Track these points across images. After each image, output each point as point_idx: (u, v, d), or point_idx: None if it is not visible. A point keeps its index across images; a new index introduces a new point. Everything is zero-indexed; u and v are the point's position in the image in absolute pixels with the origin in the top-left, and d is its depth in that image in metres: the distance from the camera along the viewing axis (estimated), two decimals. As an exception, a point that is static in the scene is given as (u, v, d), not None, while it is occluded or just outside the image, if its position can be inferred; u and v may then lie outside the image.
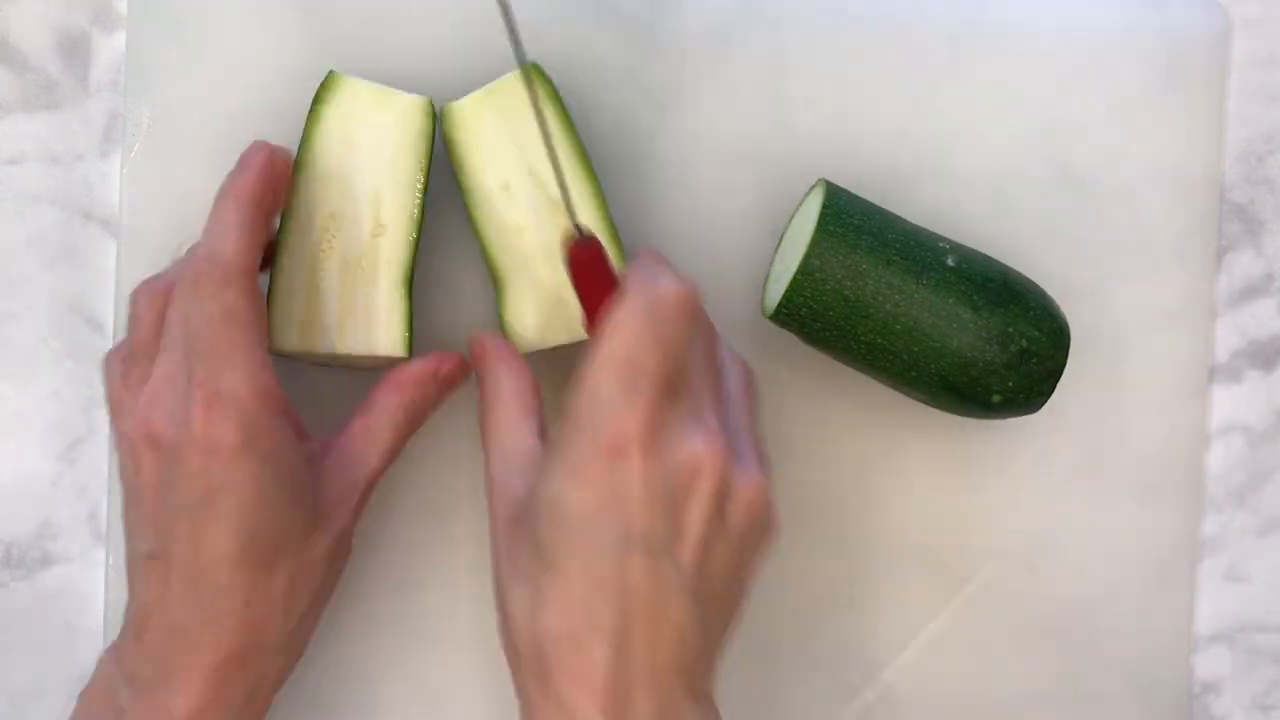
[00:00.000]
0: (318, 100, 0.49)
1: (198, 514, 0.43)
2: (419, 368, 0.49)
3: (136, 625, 0.45)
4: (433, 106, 0.50)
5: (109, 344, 0.54)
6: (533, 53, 0.53)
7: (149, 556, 0.44)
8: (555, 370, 0.53)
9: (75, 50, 0.55)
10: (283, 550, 0.45)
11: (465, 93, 0.50)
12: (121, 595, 0.53)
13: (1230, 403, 0.56)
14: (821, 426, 0.54)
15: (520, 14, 0.54)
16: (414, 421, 0.49)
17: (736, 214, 0.54)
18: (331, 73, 0.50)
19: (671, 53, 0.54)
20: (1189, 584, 0.55)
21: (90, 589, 0.55)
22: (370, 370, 0.53)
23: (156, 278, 0.47)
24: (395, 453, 0.49)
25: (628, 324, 0.41)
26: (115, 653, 0.45)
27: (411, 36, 0.53)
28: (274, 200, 0.47)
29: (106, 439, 0.54)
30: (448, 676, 0.53)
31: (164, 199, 0.53)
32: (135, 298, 0.47)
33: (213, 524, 0.43)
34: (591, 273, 0.45)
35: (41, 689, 0.55)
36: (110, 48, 0.55)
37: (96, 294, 0.55)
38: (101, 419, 0.54)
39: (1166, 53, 0.54)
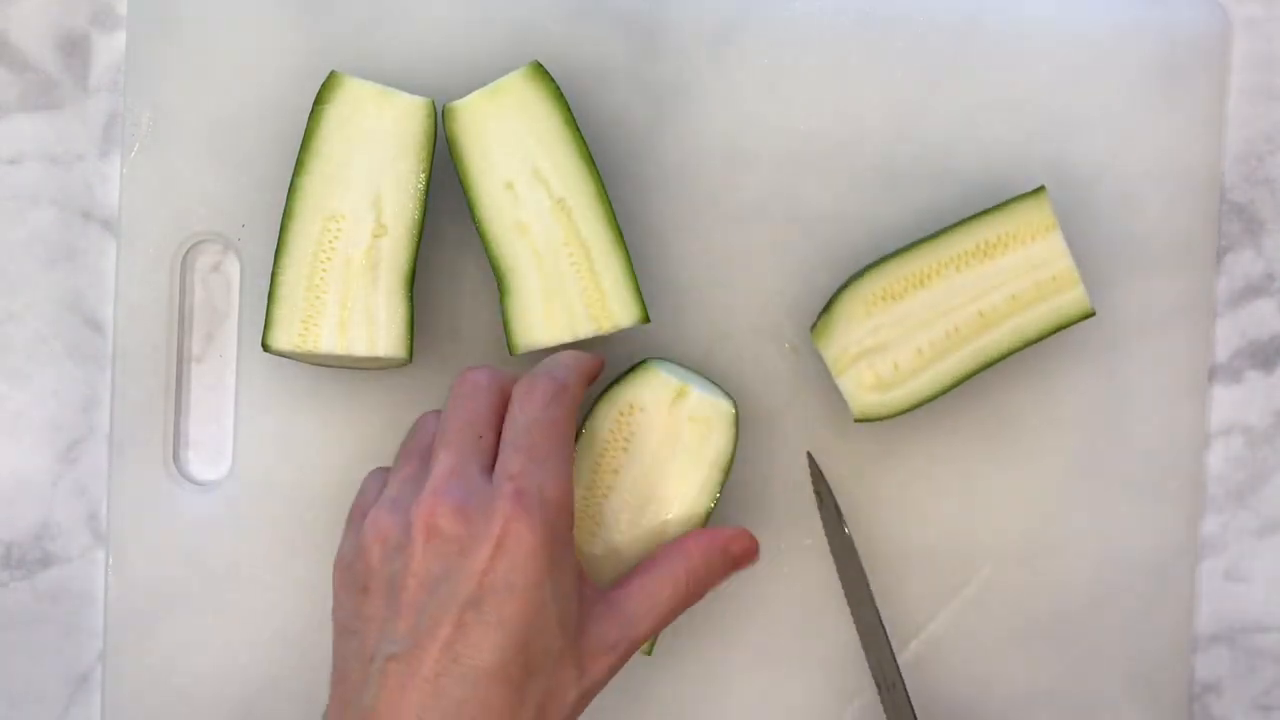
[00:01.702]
0: (319, 100, 0.49)
1: (469, 614, 0.41)
2: (708, 540, 0.47)
3: None
4: (434, 108, 0.50)
5: (109, 344, 0.54)
6: (533, 53, 0.53)
7: (392, 658, 0.41)
8: (555, 370, 0.53)
9: (75, 50, 0.55)
10: (538, 676, 0.42)
11: (465, 93, 0.50)
12: (122, 595, 0.53)
13: (1230, 403, 0.56)
14: (821, 427, 0.54)
15: (520, 14, 0.54)
16: (694, 594, 0.46)
17: (736, 214, 0.54)
18: (333, 73, 0.50)
19: (671, 53, 0.54)
20: (1189, 584, 0.55)
21: (90, 589, 0.55)
22: (371, 370, 0.53)
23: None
24: (668, 621, 0.46)
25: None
26: None
27: (411, 36, 0.53)
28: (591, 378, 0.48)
29: (106, 439, 0.54)
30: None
31: (164, 199, 0.53)
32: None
33: (481, 628, 0.41)
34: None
35: (41, 689, 0.55)
36: (110, 48, 0.55)
37: (96, 294, 0.55)
38: (102, 419, 0.54)
39: (1166, 53, 0.54)
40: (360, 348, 0.49)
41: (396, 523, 0.43)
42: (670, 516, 0.49)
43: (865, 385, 0.51)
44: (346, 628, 0.44)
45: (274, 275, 0.49)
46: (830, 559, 0.53)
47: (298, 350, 0.49)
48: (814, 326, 0.51)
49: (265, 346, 0.50)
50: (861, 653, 0.53)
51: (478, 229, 0.50)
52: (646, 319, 0.50)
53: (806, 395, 0.54)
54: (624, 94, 0.54)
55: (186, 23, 0.53)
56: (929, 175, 0.54)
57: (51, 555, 0.55)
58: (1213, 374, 0.56)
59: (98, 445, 0.55)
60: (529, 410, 0.45)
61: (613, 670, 0.44)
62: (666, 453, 0.49)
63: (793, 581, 0.54)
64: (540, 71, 0.50)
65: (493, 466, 0.44)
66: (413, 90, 0.52)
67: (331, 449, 0.53)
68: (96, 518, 0.55)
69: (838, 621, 0.54)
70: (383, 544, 0.43)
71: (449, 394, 0.47)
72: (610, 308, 0.49)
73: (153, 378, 0.53)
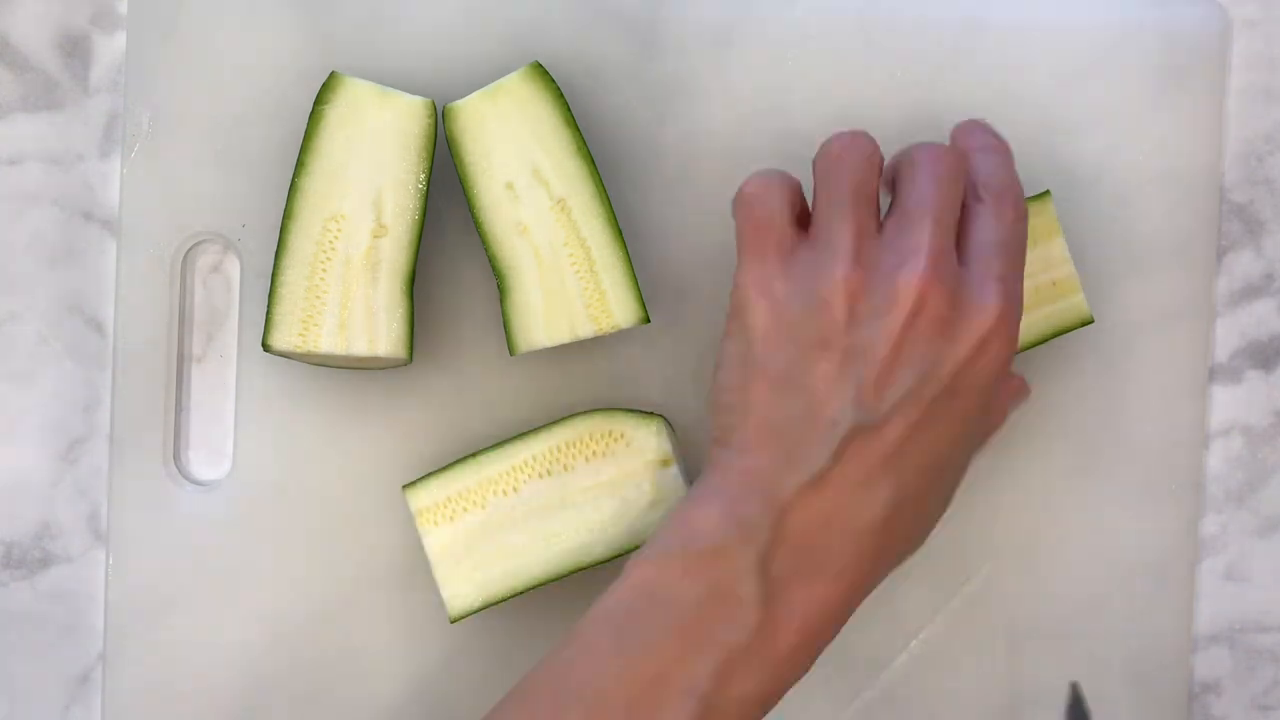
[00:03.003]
0: (320, 101, 0.49)
1: (939, 401, 0.41)
2: None
3: (789, 494, 0.41)
4: (435, 108, 0.50)
5: (109, 344, 0.54)
6: (533, 53, 0.53)
7: (860, 427, 0.40)
8: (559, 369, 0.53)
9: (75, 50, 0.55)
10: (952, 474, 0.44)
11: (466, 93, 0.50)
12: (122, 595, 0.53)
13: (1230, 403, 0.56)
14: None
15: (520, 14, 0.54)
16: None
17: (737, 214, 0.54)
18: (334, 73, 0.50)
19: (671, 53, 0.54)
20: (1189, 584, 0.55)
21: (90, 589, 0.55)
22: (371, 370, 0.53)
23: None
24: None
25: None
26: (736, 518, 0.41)
27: (412, 36, 0.53)
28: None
29: (107, 439, 0.54)
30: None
31: (164, 199, 0.53)
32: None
33: (947, 419, 0.41)
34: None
35: (41, 689, 0.55)
36: (110, 48, 0.55)
37: (96, 294, 0.55)
38: (102, 419, 0.54)
39: (1166, 53, 0.54)
40: (360, 348, 0.49)
41: (876, 287, 0.42)
42: (567, 533, 0.50)
43: None
44: (790, 380, 0.42)
45: (274, 275, 0.49)
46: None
47: (298, 350, 0.49)
48: None
49: (265, 347, 0.50)
50: (861, 653, 0.53)
51: (478, 229, 0.50)
52: (646, 319, 0.50)
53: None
54: (624, 94, 0.54)
55: (186, 23, 0.53)
56: (929, 175, 0.54)
57: (51, 555, 0.55)
58: (1213, 374, 0.56)
59: (98, 445, 0.55)
60: (1007, 218, 0.43)
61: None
62: (612, 489, 0.50)
63: (793, 581, 0.54)
64: (541, 72, 0.50)
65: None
66: (413, 90, 0.52)
67: (331, 449, 0.53)
68: (96, 518, 0.55)
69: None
70: (854, 304, 0.42)
71: (914, 152, 0.44)
72: (610, 308, 0.50)
73: (153, 378, 0.53)
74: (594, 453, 0.50)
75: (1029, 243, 0.49)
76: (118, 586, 0.53)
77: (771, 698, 0.42)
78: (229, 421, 0.54)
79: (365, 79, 0.50)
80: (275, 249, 0.50)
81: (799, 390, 0.42)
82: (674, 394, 0.53)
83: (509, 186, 0.50)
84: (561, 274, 0.50)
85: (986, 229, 0.43)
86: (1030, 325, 0.50)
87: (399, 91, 0.50)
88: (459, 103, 0.50)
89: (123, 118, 0.54)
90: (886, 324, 0.41)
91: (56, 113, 0.55)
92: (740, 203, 0.44)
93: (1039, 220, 0.50)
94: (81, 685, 0.55)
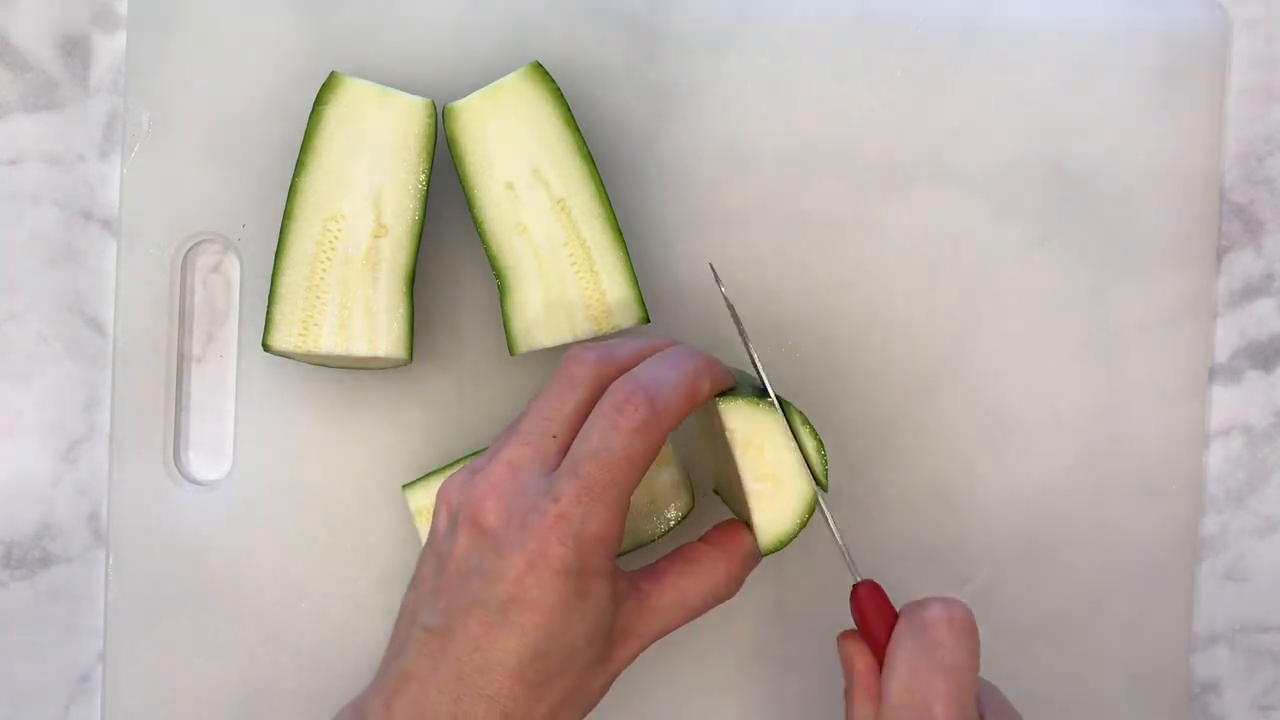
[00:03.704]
0: (320, 101, 0.49)
1: (494, 615, 0.41)
2: (749, 543, 0.46)
3: (389, 691, 0.43)
4: (435, 108, 0.50)
5: (109, 344, 0.54)
6: (533, 52, 0.53)
7: (427, 629, 0.42)
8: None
9: (75, 50, 0.55)
10: (557, 680, 0.42)
11: (466, 93, 0.50)
12: (122, 595, 0.53)
13: (1230, 403, 0.56)
14: (820, 427, 0.54)
15: (520, 14, 0.54)
16: (730, 591, 0.46)
17: (737, 214, 0.54)
18: (334, 74, 0.50)
19: (671, 53, 0.54)
20: (1189, 584, 0.55)
21: (90, 589, 0.55)
22: (371, 370, 0.53)
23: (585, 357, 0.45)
24: (699, 615, 0.46)
25: (907, 659, 0.43)
26: (356, 710, 0.44)
27: (412, 36, 0.53)
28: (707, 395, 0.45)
29: (107, 438, 0.54)
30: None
31: (164, 199, 0.53)
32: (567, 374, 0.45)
33: (504, 631, 0.41)
34: (873, 611, 0.45)
35: (41, 689, 0.55)
36: (110, 48, 0.55)
37: (96, 294, 0.55)
38: (102, 419, 0.54)
39: (1166, 53, 0.54)
40: (360, 348, 0.49)
41: (461, 498, 0.44)
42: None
43: None
44: (414, 577, 0.45)
45: (274, 276, 0.49)
46: (841, 559, 0.53)
47: (298, 350, 0.49)
48: None
49: (265, 347, 0.50)
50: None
51: (478, 229, 0.50)
52: (647, 319, 0.50)
53: (806, 394, 0.54)
54: (624, 94, 0.54)
55: (186, 23, 0.53)
56: (929, 175, 0.54)
57: (51, 555, 0.55)
58: (1213, 374, 0.56)
59: (98, 445, 0.55)
60: (606, 433, 0.42)
61: (637, 655, 0.45)
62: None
63: (794, 581, 0.54)
64: (540, 72, 0.50)
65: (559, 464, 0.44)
66: (413, 90, 0.52)
67: (331, 449, 0.53)
68: (96, 518, 0.55)
69: (837, 621, 0.54)
70: (448, 514, 0.44)
71: (558, 365, 0.45)
72: (610, 309, 0.50)
73: (153, 378, 0.53)
74: None
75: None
76: (118, 586, 0.53)
77: None
78: (229, 421, 0.54)
79: (365, 79, 0.50)
80: (275, 249, 0.50)
81: (414, 586, 0.45)
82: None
83: (509, 186, 0.50)
84: (562, 274, 0.50)
85: (586, 434, 0.43)
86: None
87: (399, 91, 0.50)
88: (459, 103, 0.50)
89: (123, 118, 0.54)
90: (454, 536, 0.44)
91: (56, 113, 0.55)
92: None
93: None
94: (81, 685, 0.55)
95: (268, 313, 0.50)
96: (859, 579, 0.46)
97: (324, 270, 0.50)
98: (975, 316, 0.54)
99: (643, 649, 0.45)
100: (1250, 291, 0.56)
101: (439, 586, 0.43)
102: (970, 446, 0.54)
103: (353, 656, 0.53)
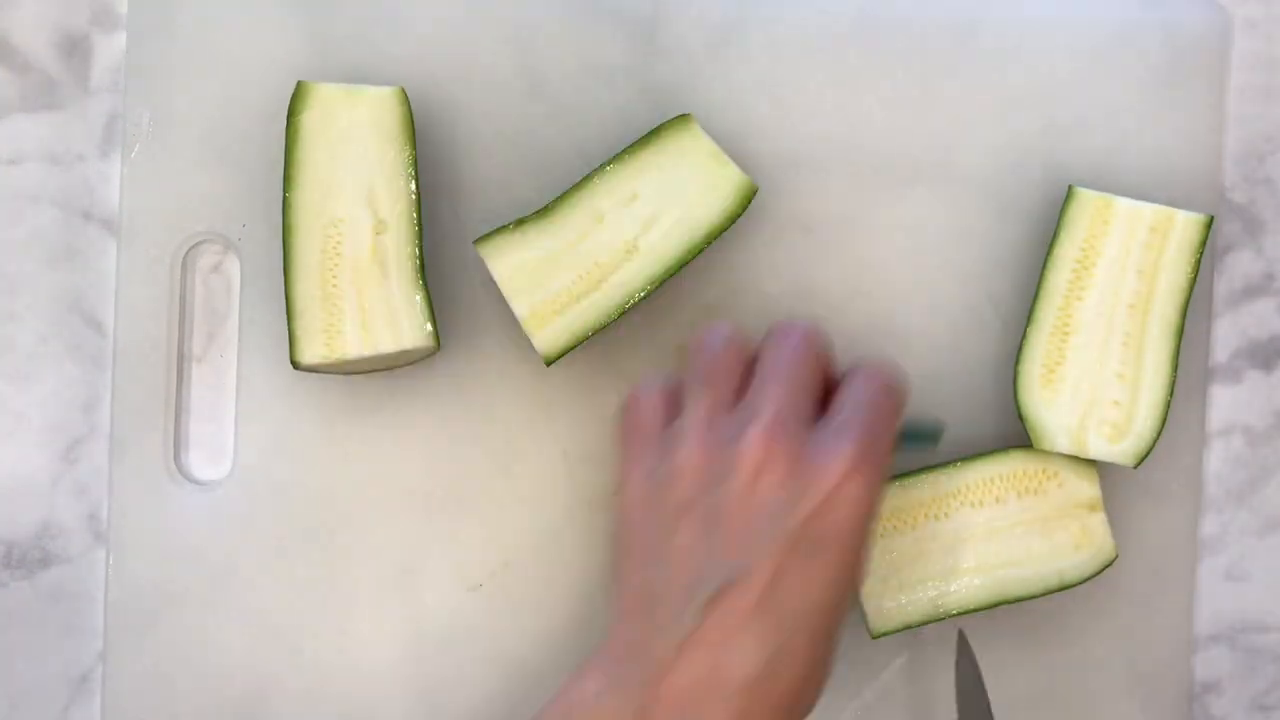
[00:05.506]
0: (292, 112, 0.50)
1: (790, 554, 0.42)
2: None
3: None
4: (405, 95, 0.50)
5: (109, 344, 0.54)
6: (533, 52, 0.53)
7: (722, 586, 0.42)
8: (562, 369, 0.53)
9: (75, 50, 0.55)
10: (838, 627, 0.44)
11: (466, 93, 0.50)
12: (122, 595, 0.53)
13: (1230, 403, 0.56)
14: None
15: (520, 14, 0.54)
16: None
17: (736, 214, 0.54)
18: (300, 83, 0.50)
19: (671, 53, 0.54)
20: (1189, 584, 0.55)
21: (90, 589, 0.55)
22: (403, 366, 0.53)
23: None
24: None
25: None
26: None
27: (411, 37, 0.53)
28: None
29: (107, 439, 0.54)
30: (446, 679, 0.53)
31: (164, 199, 0.53)
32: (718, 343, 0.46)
33: (802, 570, 0.42)
34: None
35: (41, 689, 0.55)
36: (110, 48, 0.55)
37: (96, 294, 0.55)
38: (102, 419, 0.54)
39: (1166, 53, 0.54)
40: (387, 344, 0.49)
41: (720, 454, 0.43)
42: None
43: None
44: (654, 550, 0.44)
45: (287, 292, 0.49)
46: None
47: (326, 361, 0.49)
48: None
49: (295, 364, 0.49)
50: (861, 653, 0.53)
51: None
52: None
53: (806, 395, 0.54)
54: (624, 94, 0.54)
55: (186, 23, 0.53)
56: (929, 175, 0.54)
57: (51, 555, 0.55)
58: (1213, 374, 0.56)
59: (98, 445, 0.55)
60: (874, 383, 0.45)
61: None
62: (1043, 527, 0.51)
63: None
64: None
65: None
66: (413, 91, 0.52)
67: (331, 449, 0.53)
68: (96, 518, 0.55)
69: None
70: (702, 472, 0.44)
71: (775, 326, 0.47)
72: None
73: (153, 378, 0.53)
74: (1026, 489, 0.51)
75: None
76: (118, 586, 0.53)
77: None
78: (229, 422, 0.54)
79: (365, 79, 0.50)
80: (280, 259, 0.50)
81: (663, 558, 0.43)
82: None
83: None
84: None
85: (851, 391, 0.45)
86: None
87: (366, 86, 0.50)
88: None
89: (123, 118, 0.54)
90: (730, 486, 0.43)
91: (56, 113, 0.55)
92: (623, 411, 0.47)
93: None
94: (81, 685, 0.55)
95: (289, 330, 0.50)
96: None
97: (334, 277, 0.50)
98: (975, 316, 0.54)
99: None
100: (1250, 291, 0.56)
101: (722, 542, 0.43)
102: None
103: (353, 656, 0.53)
